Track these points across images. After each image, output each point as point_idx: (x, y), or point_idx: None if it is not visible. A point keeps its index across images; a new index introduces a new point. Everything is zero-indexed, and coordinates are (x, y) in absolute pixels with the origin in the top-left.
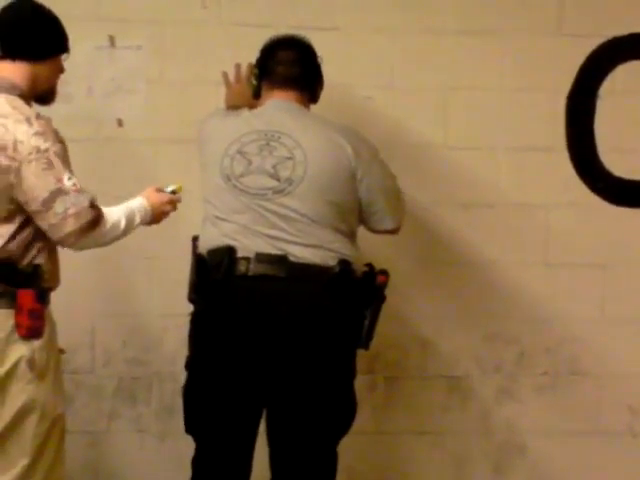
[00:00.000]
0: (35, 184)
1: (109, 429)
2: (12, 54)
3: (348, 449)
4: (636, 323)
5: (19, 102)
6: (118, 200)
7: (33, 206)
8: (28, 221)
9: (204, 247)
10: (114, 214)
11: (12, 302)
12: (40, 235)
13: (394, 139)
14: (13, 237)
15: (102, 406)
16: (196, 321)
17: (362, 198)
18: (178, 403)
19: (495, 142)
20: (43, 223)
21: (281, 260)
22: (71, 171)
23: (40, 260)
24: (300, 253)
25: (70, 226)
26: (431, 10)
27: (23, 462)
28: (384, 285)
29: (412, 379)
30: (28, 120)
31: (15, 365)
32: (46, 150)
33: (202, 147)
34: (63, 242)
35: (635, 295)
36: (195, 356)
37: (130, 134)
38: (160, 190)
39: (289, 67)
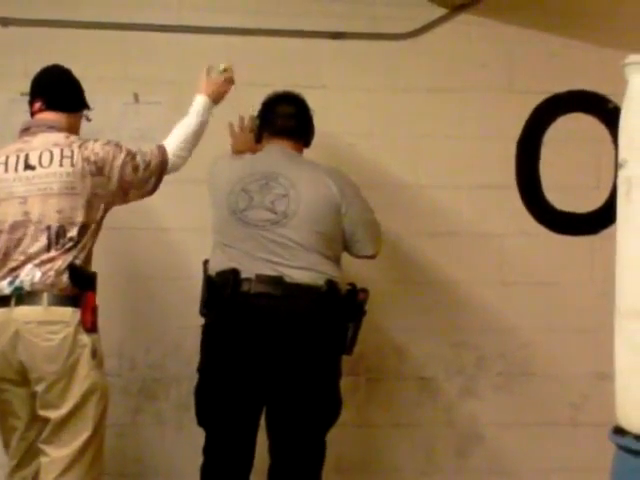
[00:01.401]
0: (121, 166)
1: (134, 422)
2: (55, 107)
3: (335, 440)
4: (577, 332)
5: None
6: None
7: (125, 186)
8: (94, 234)
9: (213, 269)
10: (177, 137)
11: (78, 302)
12: (92, 248)
13: (373, 179)
14: (84, 248)
15: (128, 403)
16: (206, 331)
17: (346, 229)
18: (193, 400)
19: (458, 181)
20: (137, 192)
21: (278, 281)
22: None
23: (84, 265)
24: (294, 274)
25: (156, 173)
26: (403, 72)
27: (86, 434)
28: (364, 301)
29: (389, 380)
30: (87, 140)
31: (82, 354)
32: (108, 141)
33: (212, 186)
34: (157, 187)
35: (576, 309)
36: (205, 361)
37: None
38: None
39: (286, 120)
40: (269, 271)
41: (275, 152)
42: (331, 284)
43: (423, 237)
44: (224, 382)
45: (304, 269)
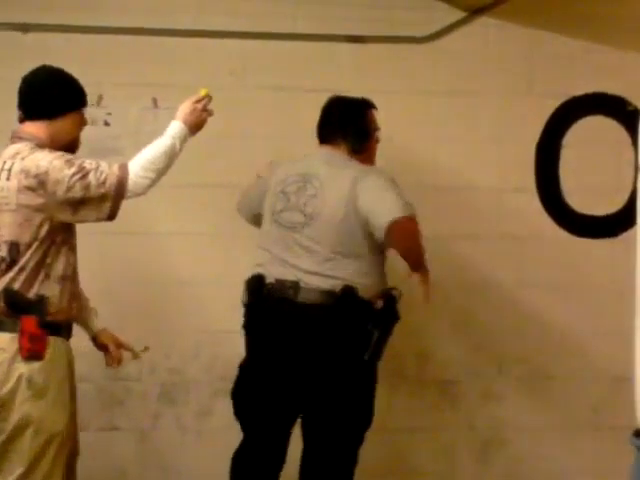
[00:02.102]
0: (68, 182)
1: (154, 427)
2: (30, 116)
3: None
4: (597, 335)
5: (37, 148)
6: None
7: (72, 205)
8: (39, 253)
9: (250, 274)
10: (144, 157)
11: (17, 327)
12: (45, 268)
13: None
14: (23, 269)
15: (148, 408)
16: (244, 333)
17: (362, 217)
18: (212, 405)
19: (477, 184)
20: (89, 214)
21: (294, 286)
22: (84, 159)
23: (46, 292)
24: (311, 280)
25: (111, 179)
26: (422, 76)
27: (19, 471)
28: (388, 307)
29: (410, 384)
30: (41, 149)
31: (16, 383)
32: (62, 154)
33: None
34: (118, 197)
35: (597, 312)
36: (243, 359)
37: (167, 180)
38: (197, 101)
39: (323, 127)
40: (289, 276)
41: (316, 156)
42: (348, 290)
43: (442, 240)
44: (255, 383)
45: (319, 275)
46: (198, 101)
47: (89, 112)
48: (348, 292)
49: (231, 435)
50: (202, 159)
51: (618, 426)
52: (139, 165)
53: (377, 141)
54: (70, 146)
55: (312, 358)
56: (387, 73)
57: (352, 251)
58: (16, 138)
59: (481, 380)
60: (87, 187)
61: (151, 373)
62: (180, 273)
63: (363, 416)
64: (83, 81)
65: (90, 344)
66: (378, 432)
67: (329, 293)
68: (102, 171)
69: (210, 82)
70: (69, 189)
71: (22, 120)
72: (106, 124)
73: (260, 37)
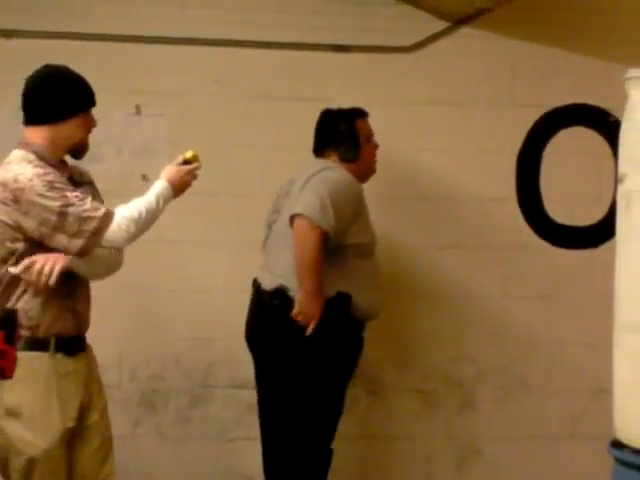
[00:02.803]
0: (43, 206)
1: (134, 434)
2: (30, 121)
3: (335, 451)
4: (577, 346)
5: (31, 156)
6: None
7: (45, 230)
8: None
9: None
10: (129, 209)
11: None
12: (18, 282)
13: (375, 191)
14: None
15: (128, 414)
16: None
17: None
18: (192, 412)
19: (459, 194)
20: (60, 243)
21: (254, 283)
22: (74, 189)
23: (25, 306)
24: (262, 279)
25: (88, 225)
26: (406, 85)
27: None
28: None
29: (389, 393)
30: (29, 162)
31: None
32: (45, 174)
33: None
34: (92, 243)
35: (576, 322)
36: None
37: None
38: (179, 164)
39: (318, 141)
40: (258, 275)
41: (307, 162)
42: (278, 290)
43: (423, 250)
44: None
45: (267, 272)
46: (185, 163)
47: None
48: (279, 292)
49: (210, 442)
50: None
51: (596, 436)
52: (124, 218)
53: (375, 146)
54: (76, 150)
55: (258, 343)
56: (371, 82)
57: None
58: (19, 144)
59: (460, 389)
60: (63, 221)
61: (131, 380)
62: (161, 280)
63: (301, 405)
64: None
65: None
66: (356, 440)
67: (265, 292)
68: (85, 209)
69: (195, 89)
70: (43, 221)
71: (25, 124)
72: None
73: (245, 45)
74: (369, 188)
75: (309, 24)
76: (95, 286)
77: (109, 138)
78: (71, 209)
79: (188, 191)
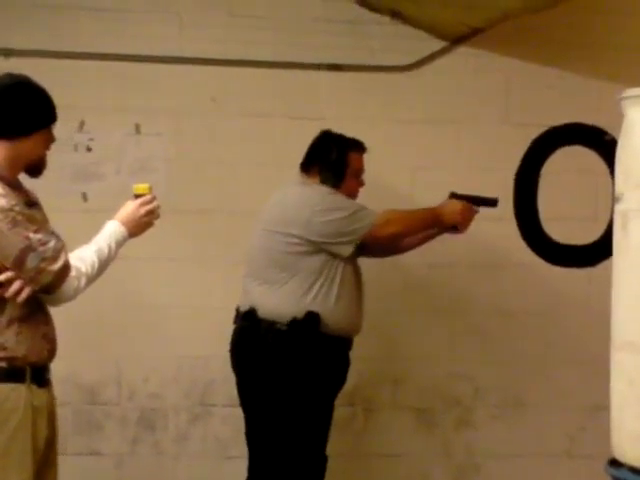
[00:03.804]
0: (4, 244)
1: (133, 452)
2: None
3: (332, 469)
4: (574, 364)
5: None
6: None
7: (5, 262)
8: None
9: None
10: (84, 262)
11: None
12: None
13: (372, 209)
14: None
15: (127, 433)
16: None
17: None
18: (191, 430)
19: None
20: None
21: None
22: (38, 229)
23: None
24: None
25: (44, 278)
26: (401, 104)
27: None
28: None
29: (385, 410)
30: None
31: None
32: (10, 209)
33: None
34: (44, 292)
35: (573, 340)
36: None
37: None
38: (143, 203)
39: (308, 158)
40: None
41: (290, 181)
42: (249, 312)
43: (421, 267)
44: None
45: (245, 294)
46: (143, 204)
47: (72, 137)
48: (248, 315)
49: (208, 461)
50: (180, 185)
51: (594, 455)
52: (79, 272)
53: (361, 184)
54: (34, 167)
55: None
56: (367, 101)
57: (269, 267)
58: None
59: (457, 407)
60: (21, 264)
61: (130, 398)
62: (161, 298)
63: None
64: (65, 106)
65: (68, 368)
66: (353, 458)
67: (241, 312)
68: (45, 258)
69: (192, 108)
70: (4, 256)
71: None
72: (88, 150)
73: (241, 64)
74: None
75: (305, 43)
76: (94, 304)
77: (109, 157)
78: (30, 256)
79: (186, 210)
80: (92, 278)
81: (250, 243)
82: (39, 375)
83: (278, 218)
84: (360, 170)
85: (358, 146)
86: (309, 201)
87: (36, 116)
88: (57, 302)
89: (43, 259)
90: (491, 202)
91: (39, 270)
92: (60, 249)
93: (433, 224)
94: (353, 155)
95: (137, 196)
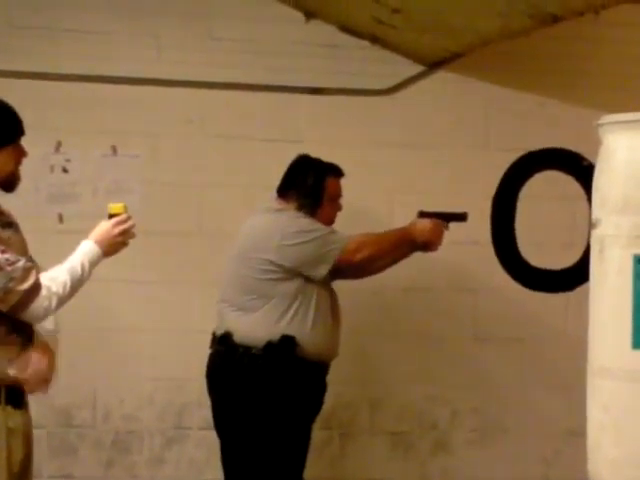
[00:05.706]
0: None
1: (107, 475)
2: None
3: None
4: (550, 388)
5: None
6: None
7: None
8: None
9: None
10: (56, 282)
11: None
12: None
13: (350, 233)
14: None
15: (101, 455)
16: None
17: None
18: (166, 453)
19: None
20: None
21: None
22: (5, 249)
23: None
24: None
25: (12, 298)
26: (380, 128)
27: None
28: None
29: (362, 434)
30: None
31: None
32: None
33: None
34: (12, 314)
35: (550, 365)
36: None
37: None
38: (117, 223)
39: (284, 182)
40: None
41: (264, 206)
42: (225, 335)
43: (397, 291)
44: None
45: (221, 319)
46: (118, 224)
47: (48, 158)
48: (223, 338)
49: None
50: (157, 206)
51: (570, 479)
52: (50, 292)
53: (338, 208)
54: (7, 182)
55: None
56: (346, 125)
57: (245, 291)
58: None
59: (433, 431)
60: None
61: (105, 421)
62: (136, 320)
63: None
64: (42, 127)
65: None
66: None
67: (216, 337)
68: (13, 278)
69: (169, 130)
70: None
71: None
72: (64, 171)
73: (219, 87)
74: (342, 229)
75: (283, 66)
76: (69, 325)
77: (85, 178)
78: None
79: (163, 232)
80: (64, 298)
81: (225, 268)
82: (15, 396)
83: (250, 244)
84: (337, 195)
85: (335, 171)
86: (279, 226)
87: (2, 132)
88: (29, 322)
89: (11, 279)
90: (460, 217)
91: (7, 290)
92: (29, 269)
93: (404, 244)
94: (330, 180)
95: (112, 215)
